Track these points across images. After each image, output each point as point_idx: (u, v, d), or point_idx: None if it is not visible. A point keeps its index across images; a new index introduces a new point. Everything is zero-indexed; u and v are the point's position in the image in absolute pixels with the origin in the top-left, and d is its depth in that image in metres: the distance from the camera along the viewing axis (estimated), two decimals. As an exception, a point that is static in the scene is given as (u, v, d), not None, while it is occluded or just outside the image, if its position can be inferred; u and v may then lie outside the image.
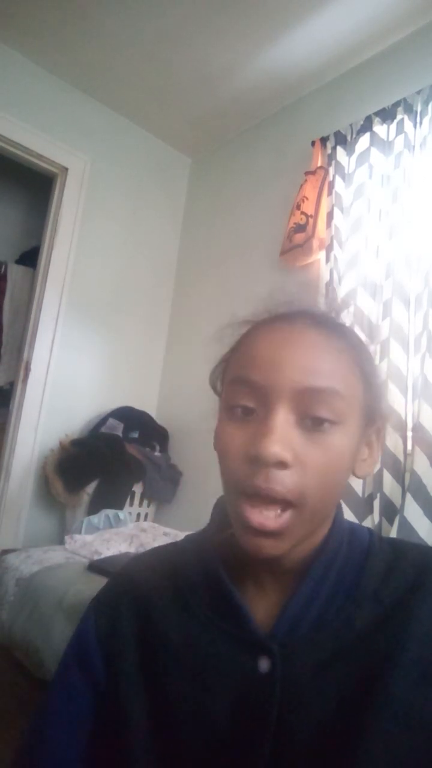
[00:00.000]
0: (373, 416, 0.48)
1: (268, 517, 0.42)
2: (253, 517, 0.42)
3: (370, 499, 1.60)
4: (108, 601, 0.55)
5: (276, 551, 0.43)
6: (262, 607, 0.48)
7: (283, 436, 0.42)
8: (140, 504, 2.40)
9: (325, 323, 0.47)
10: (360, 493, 1.62)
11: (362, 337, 0.51)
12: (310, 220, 2.02)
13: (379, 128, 1.90)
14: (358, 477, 0.49)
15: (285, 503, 0.42)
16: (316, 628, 0.45)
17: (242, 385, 0.45)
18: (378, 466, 0.47)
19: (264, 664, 0.44)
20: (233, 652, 0.46)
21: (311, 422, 0.43)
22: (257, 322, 0.50)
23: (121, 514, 2.15)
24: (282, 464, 0.41)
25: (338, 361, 0.45)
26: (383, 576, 0.46)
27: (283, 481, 0.41)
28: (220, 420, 0.47)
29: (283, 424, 0.43)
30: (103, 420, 2.48)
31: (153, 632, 0.50)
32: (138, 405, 2.63)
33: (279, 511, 0.42)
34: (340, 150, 2.02)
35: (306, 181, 2.09)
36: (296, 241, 2.07)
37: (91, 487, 2.22)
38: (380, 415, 0.50)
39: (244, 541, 0.44)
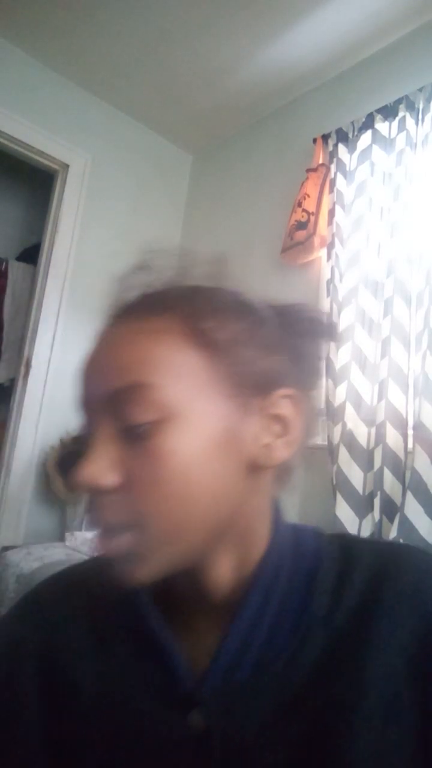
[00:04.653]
0: (263, 385, 0.38)
1: (111, 543, 0.35)
2: (101, 545, 0.36)
3: (371, 497, 1.60)
4: (5, 641, 0.44)
5: (141, 576, 0.36)
6: (193, 649, 0.39)
7: (101, 456, 0.35)
8: (141, 501, 2.40)
9: (142, 305, 0.40)
10: (360, 492, 1.62)
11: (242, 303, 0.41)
12: (312, 218, 2.02)
13: (381, 125, 1.90)
14: (270, 465, 0.39)
15: (127, 527, 0.35)
16: (258, 669, 0.37)
17: (78, 410, 0.39)
18: (298, 447, 0.39)
19: (197, 720, 0.36)
20: (157, 706, 0.38)
21: (129, 429, 0.36)
22: None
23: (122, 511, 2.15)
24: (104, 488, 0.35)
25: (149, 345, 0.37)
26: (333, 592, 0.38)
27: (112, 507, 0.35)
28: None
29: (101, 441, 0.36)
30: (104, 417, 2.48)
31: (61, 680, 0.41)
32: (139, 402, 2.63)
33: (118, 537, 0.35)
34: (341, 147, 2.01)
35: (307, 178, 2.08)
36: (297, 238, 2.06)
37: (91, 484, 2.23)
38: (287, 381, 0.39)
39: (112, 571, 0.37)
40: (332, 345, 1.69)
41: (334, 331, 0.40)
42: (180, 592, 0.41)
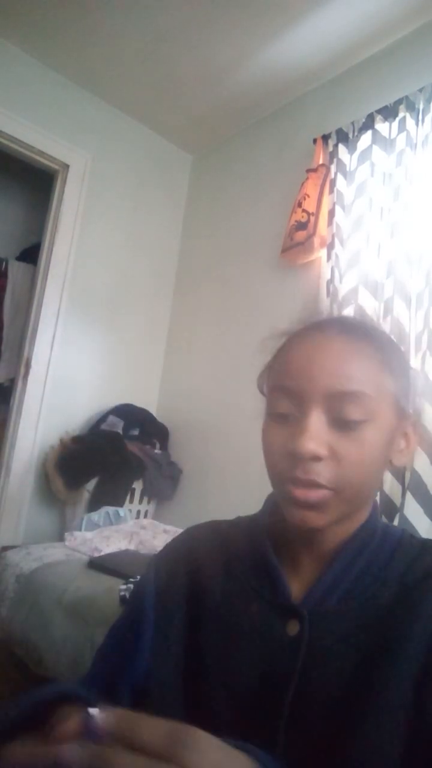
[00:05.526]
0: (406, 410, 0.54)
1: (310, 493, 0.49)
2: (298, 493, 0.49)
3: (370, 497, 1.60)
4: (168, 558, 0.64)
5: (318, 522, 0.50)
6: (297, 582, 0.55)
7: (316, 434, 0.48)
8: (140, 501, 2.40)
9: (354, 330, 0.53)
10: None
11: (393, 339, 0.58)
12: (312, 218, 2.02)
13: (381, 126, 1.89)
14: (397, 466, 0.55)
15: (325, 486, 0.49)
16: (343, 601, 0.51)
17: (280, 391, 0.52)
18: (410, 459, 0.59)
19: (293, 628, 0.51)
20: (266, 614, 0.53)
21: (343, 421, 0.49)
22: (293, 333, 0.56)
23: (121, 511, 2.15)
24: (316, 458, 0.48)
25: (366, 364, 0.50)
26: (409, 564, 0.52)
27: (319, 472, 0.48)
28: (265, 421, 0.55)
29: (316, 423, 0.49)
30: (104, 417, 2.48)
31: (200, 589, 0.58)
32: (138, 402, 2.63)
33: (318, 490, 0.49)
34: (341, 147, 2.01)
35: (307, 178, 2.08)
36: (297, 238, 2.07)
37: (91, 484, 2.23)
38: (413, 409, 0.56)
39: (291, 516, 0.51)
40: None
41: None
42: (296, 541, 0.56)
